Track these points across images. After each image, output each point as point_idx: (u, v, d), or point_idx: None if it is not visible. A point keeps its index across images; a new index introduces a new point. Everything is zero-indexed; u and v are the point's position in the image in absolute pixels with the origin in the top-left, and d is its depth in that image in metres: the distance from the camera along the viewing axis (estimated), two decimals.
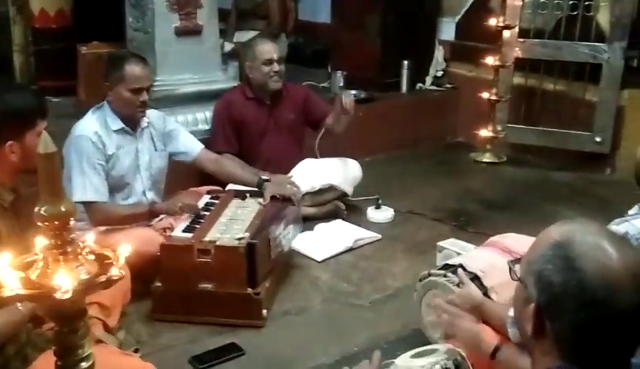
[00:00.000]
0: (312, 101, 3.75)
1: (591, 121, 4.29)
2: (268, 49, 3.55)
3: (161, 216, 2.89)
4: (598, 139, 4.28)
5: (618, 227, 1.58)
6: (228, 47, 4.85)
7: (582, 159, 4.42)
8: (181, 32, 3.77)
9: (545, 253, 1.03)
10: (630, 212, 1.70)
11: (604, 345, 0.99)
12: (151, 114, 2.98)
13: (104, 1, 4.29)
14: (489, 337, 1.69)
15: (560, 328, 1.00)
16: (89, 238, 1.24)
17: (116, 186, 2.86)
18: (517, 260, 1.12)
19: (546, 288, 1.01)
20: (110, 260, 1.25)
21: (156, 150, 3.00)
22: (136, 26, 3.86)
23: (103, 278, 1.19)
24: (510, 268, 1.14)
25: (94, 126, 2.78)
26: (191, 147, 3.10)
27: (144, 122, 2.93)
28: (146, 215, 2.81)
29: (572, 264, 0.99)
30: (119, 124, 2.84)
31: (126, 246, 1.25)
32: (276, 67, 3.52)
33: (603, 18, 4.22)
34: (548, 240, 1.04)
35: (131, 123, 2.87)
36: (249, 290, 2.53)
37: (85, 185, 2.70)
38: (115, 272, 1.22)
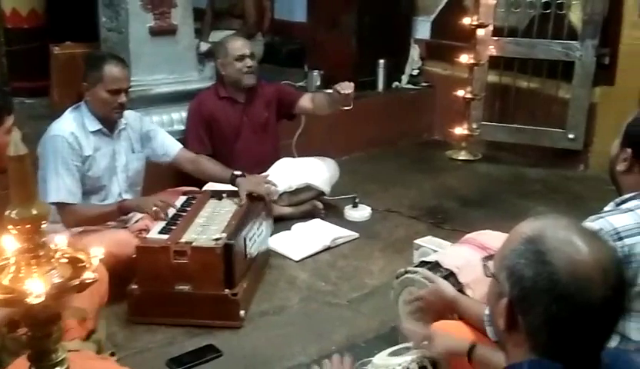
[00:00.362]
0: (283, 91, 3.75)
1: (564, 118, 4.35)
2: (240, 45, 3.55)
3: (137, 217, 2.87)
4: (571, 136, 4.34)
5: (593, 223, 1.60)
6: (204, 47, 4.83)
7: (556, 156, 4.48)
8: (155, 32, 3.74)
9: (516, 248, 1.04)
10: (606, 208, 1.72)
11: (575, 338, 1.01)
12: (129, 116, 2.96)
13: (77, 0, 4.24)
14: (464, 336, 1.70)
15: (532, 322, 1.02)
16: (62, 241, 1.23)
17: (92, 188, 2.83)
18: (490, 257, 1.14)
19: (518, 282, 1.03)
20: (83, 264, 1.23)
21: (133, 151, 2.97)
22: (110, 26, 3.82)
23: (76, 282, 1.18)
24: (483, 264, 1.15)
25: (70, 126, 2.75)
26: (170, 148, 3.09)
27: (121, 123, 2.90)
28: (116, 212, 2.77)
29: (543, 258, 1.01)
30: (97, 125, 2.81)
31: (99, 249, 1.24)
32: (249, 62, 3.52)
33: (575, 16, 4.28)
34: (520, 235, 1.05)
35: (109, 124, 2.85)
36: (226, 291, 2.52)
37: (59, 186, 2.67)
38: (88, 275, 1.21)
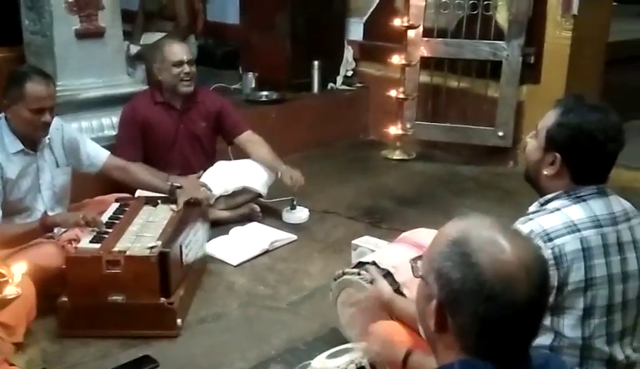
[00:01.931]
0: (226, 113, 3.64)
1: (494, 116, 4.47)
2: (178, 50, 3.45)
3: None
4: (500, 134, 4.47)
5: (523, 225, 1.62)
6: (134, 50, 4.72)
7: (487, 153, 4.60)
8: (82, 35, 3.62)
9: (443, 250, 1.06)
10: (530, 209, 1.74)
11: (502, 336, 1.02)
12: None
13: None
14: (400, 341, 1.71)
15: (461, 322, 1.03)
16: None
17: (15, 209, 2.66)
18: (418, 258, 1.15)
19: (446, 285, 1.04)
20: (5, 279, 1.18)
21: (58, 166, 2.81)
22: (33, 29, 3.68)
23: None
24: (412, 266, 1.16)
25: None
26: (96, 158, 2.95)
27: (45, 140, 2.73)
28: (38, 230, 2.56)
29: (469, 260, 1.02)
30: (18, 146, 2.64)
31: (22, 264, 1.19)
32: (187, 68, 3.42)
33: (501, 17, 4.41)
34: (446, 237, 1.07)
35: (31, 143, 2.68)
36: (162, 300, 2.47)
37: None
38: (10, 291, 1.16)
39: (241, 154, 3.66)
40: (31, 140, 2.68)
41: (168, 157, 3.49)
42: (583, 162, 1.66)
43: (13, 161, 2.63)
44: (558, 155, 1.67)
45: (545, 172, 1.70)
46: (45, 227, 2.58)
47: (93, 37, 3.66)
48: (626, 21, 5.75)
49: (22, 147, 2.65)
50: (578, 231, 1.61)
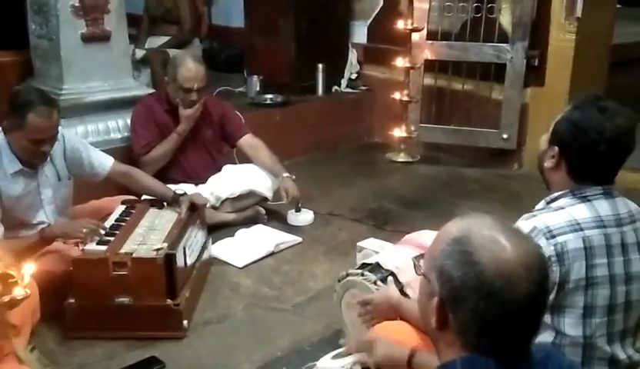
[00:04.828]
0: (227, 117, 3.66)
1: (498, 118, 4.47)
2: (191, 77, 3.34)
3: None
4: (504, 136, 4.47)
5: (526, 222, 1.64)
6: (140, 54, 4.74)
7: (491, 155, 4.61)
8: (88, 39, 3.64)
9: (444, 248, 1.08)
10: (537, 207, 1.76)
11: (503, 333, 1.04)
12: None
13: (4, 7, 4.09)
14: (406, 340, 1.72)
15: (462, 320, 1.05)
16: None
17: (17, 224, 2.63)
18: (421, 256, 1.16)
19: (447, 282, 1.06)
20: (14, 280, 1.20)
21: (60, 179, 2.76)
22: (40, 33, 3.71)
23: (7, 298, 1.15)
24: (414, 264, 1.18)
25: None
26: (100, 166, 2.89)
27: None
28: (39, 243, 2.52)
29: (470, 258, 1.04)
30: (17, 166, 2.58)
31: (30, 265, 1.20)
32: (194, 96, 3.37)
33: (505, 20, 4.41)
34: (448, 235, 1.09)
35: (31, 163, 2.62)
36: (168, 301, 2.48)
37: None
38: (19, 292, 1.17)
39: (245, 157, 3.67)
40: (31, 163, 2.63)
41: (174, 165, 3.50)
42: (577, 159, 1.68)
43: (12, 181, 2.59)
44: (556, 148, 1.71)
45: (547, 165, 1.74)
46: (45, 240, 2.55)
47: (99, 40, 3.68)
48: (630, 23, 5.75)
49: (21, 167, 2.60)
50: (581, 230, 1.62)
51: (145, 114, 3.49)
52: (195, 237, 2.84)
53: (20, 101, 2.52)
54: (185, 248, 2.62)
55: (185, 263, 2.63)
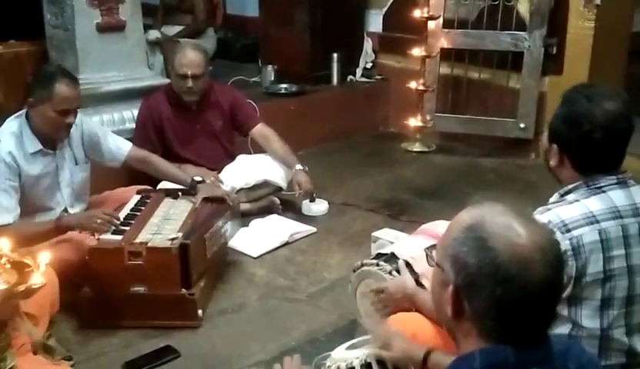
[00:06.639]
0: (238, 106, 3.64)
1: (515, 108, 4.42)
2: (186, 63, 3.35)
3: None
4: (522, 125, 4.42)
5: (541, 216, 1.62)
6: (153, 35, 4.68)
7: (508, 145, 4.56)
8: (103, 28, 3.65)
9: (458, 236, 1.07)
10: (551, 199, 1.74)
11: (520, 318, 1.04)
12: None
13: None
14: (421, 333, 1.70)
15: (478, 307, 1.05)
16: (4, 245, 1.19)
17: (35, 207, 2.66)
18: (433, 247, 1.15)
19: (462, 270, 1.05)
20: (30, 269, 1.20)
21: (77, 163, 2.80)
22: (55, 23, 3.72)
23: (22, 287, 1.15)
24: (427, 254, 1.17)
25: (9, 145, 2.56)
26: (117, 151, 2.92)
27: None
28: (53, 232, 2.54)
29: (485, 243, 1.04)
30: (37, 146, 2.62)
31: (46, 253, 1.20)
32: (189, 83, 3.36)
33: (523, 8, 4.35)
34: (461, 223, 1.08)
35: (51, 143, 2.67)
36: (183, 291, 2.49)
37: None
38: (35, 280, 1.18)
39: (259, 147, 3.67)
40: (51, 140, 2.67)
41: (186, 154, 3.50)
42: (577, 152, 1.67)
43: (32, 161, 2.62)
44: (555, 146, 1.70)
45: (551, 163, 1.73)
46: (60, 230, 2.56)
47: (114, 30, 3.70)
48: None
49: (41, 147, 2.64)
50: (597, 222, 1.60)
51: (144, 117, 3.50)
52: (223, 228, 2.80)
53: (45, 74, 2.63)
54: (204, 239, 2.61)
55: (205, 253, 2.62)
